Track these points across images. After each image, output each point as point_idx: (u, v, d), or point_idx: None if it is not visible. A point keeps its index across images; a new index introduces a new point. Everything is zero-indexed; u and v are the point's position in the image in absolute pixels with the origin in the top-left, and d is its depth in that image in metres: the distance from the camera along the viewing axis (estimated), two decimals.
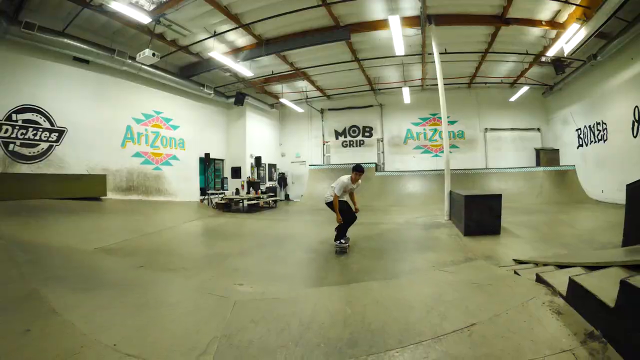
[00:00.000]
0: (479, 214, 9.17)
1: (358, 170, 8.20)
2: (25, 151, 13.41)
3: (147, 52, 13.36)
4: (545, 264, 5.09)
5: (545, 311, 3.34)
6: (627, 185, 5.44)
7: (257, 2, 12.86)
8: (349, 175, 8.23)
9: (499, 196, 9.32)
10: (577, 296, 3.31)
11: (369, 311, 4.05)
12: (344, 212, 8.29)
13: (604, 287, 3.00)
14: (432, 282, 5.29)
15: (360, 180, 8.45)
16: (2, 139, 12.76)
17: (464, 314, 3.56)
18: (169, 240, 10.66)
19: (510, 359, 2.64)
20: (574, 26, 12.12)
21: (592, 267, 3.92)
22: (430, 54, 14.43)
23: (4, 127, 12.84)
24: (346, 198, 8.61)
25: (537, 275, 4.36)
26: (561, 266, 4.60)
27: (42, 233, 9.49)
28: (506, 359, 2.64)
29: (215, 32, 14.67)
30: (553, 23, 13.40)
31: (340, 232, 8.37)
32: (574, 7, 12.23)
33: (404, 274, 6.35)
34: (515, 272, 4.96)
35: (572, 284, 3.42)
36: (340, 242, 8.28)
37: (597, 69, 15.38)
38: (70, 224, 11.07)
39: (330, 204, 8.40)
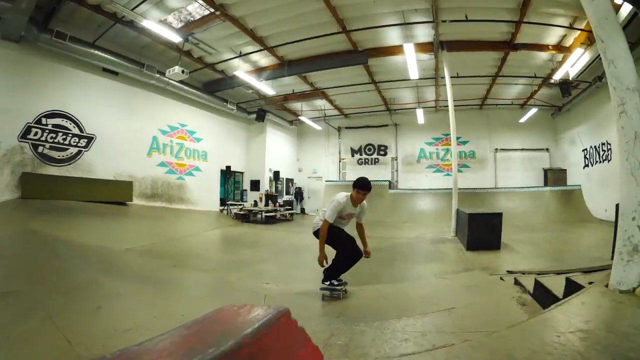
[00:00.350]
0: (481, 230, 9.77)
1: (361, 187, 5.75)
2: (55, 154, 13.91)
3: (177, 69, 14.10)
4: (530, 273, 5.98)
5: (513, 302, 4.30)
6: (617, 205, 5.84)
7: (282, 27, 13.63)
8: (348, 194, 5.87)
9: (500, 214, 9.96)
10: (539, 292, 4.25)
11: (376, 302, 5.09)
12: (340, 242, 5.83)
13: (558, 285, 3.92)
14: (430, 285, 6.24)
15: (365, 203, 6.16)
16: (32, 141, 13.25)
17: (449, 303, 4.52)
18: (194, 246, 11.50)
19: (476, 327, 3.56)
20: (578, 50, 12.77)
21: (560, 273, 4.79)
22: (443, 77, 15.08)
23: (34, 130, 13.35)
24: (344, 225, 6.10)
25: (515, 279, 5.30)
26: (540, 274, 5.46)
27: (74, 232, 10.24)
28: (474, 328, 3.56)
29: (240, 52, 15.48)
30: (559, 47, 13.97)
31: (333, 270, 5.83)
32: (579, 32, 12.78)
33: (408, 279, 7.19)
34: (501, 279, 5.86)
35: (536, 283, 4.38)
36: (331, 283, 5.76)
37: (602, 90, 15.56)
38: (100, 225, 11.91)
39: (318, 234, 5.86)
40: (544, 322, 2.58)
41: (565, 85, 16.22)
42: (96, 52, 14.28)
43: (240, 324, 1.20)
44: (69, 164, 14.30)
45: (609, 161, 15.77)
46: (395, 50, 14.82)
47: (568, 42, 13.61)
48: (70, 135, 14.35)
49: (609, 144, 15.70)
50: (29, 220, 10.49)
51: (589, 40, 12.51)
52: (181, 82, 16.87)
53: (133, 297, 5.14)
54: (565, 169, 20.50)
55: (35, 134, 13.36)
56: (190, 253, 10.37)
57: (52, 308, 4.12)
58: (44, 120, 13.56)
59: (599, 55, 10.45)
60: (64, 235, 9.49)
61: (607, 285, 2.53)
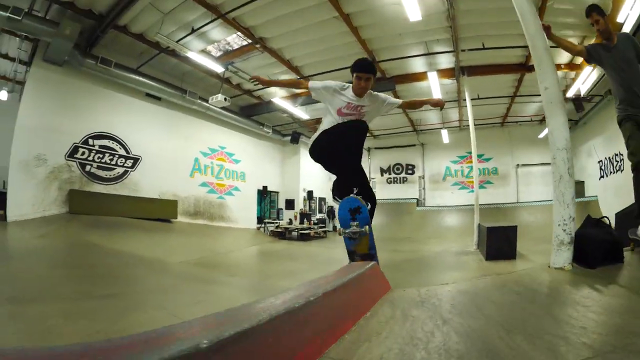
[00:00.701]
0: (498, 242, 10.73)
1: (359, 68, 4.56)
2: (102, 173, 14.94)
3: (220, 96, 15.45)
4: None
5: None
6: (616, 214, 6.49)
7: (316, 57, 15.04)
8: (349, 84, 4.74)
9: (515, 227, 10.85)
10: None
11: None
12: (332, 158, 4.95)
13: None
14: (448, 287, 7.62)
15: (373, 94, 4.86)
16: (79, 160, 14.25)
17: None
18: (240, 259, 12.57)
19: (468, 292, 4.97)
20: (587, 68, 13.70)
21: None
22: (465, 99, 15.96)
23: (81, 150, 14.32)
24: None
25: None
26: None
27: (128, 245, 11.15)
28: (465, 291, 4.96)
29: None
30: (571, 65, 14.85)
31: (338, 186, 5.00)
32: None
33: (433, 285, 8.52)
34: None
35: None
36: (335, 200, 5.03)
37: (613, 102, 15.87)
38: (149, 240, 12.82)
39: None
40: (497, 277, 4.49)
41: (578, 101, 16.91)
42: (140, 78, 15.49)
43: (361, 267, 2.91)
44: (117, 183, 15.39)
45: (621, 171, 16.12)
46: (420, 76, 16.03)
47: (579, 60, 14.37)
48: (116, 155, 15.48)
49: (622, 155, 15.92)
50: (84, 234, 11.51)
51: None
52: (221, 107, 18.13)
53: (221, 294, 6.10)
54: (583, 181, 20.78)
55: (82, 153, 14.41)
56: (240, 265, 11.43)
57: (158, 303, 4.73)
58: (90, 141, 14.65)
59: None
60: (120, 248, 10.45)
61: (549, 265, 4.11)
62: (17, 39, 13.29)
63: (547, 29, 4.76)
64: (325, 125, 4.86)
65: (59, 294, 4.69)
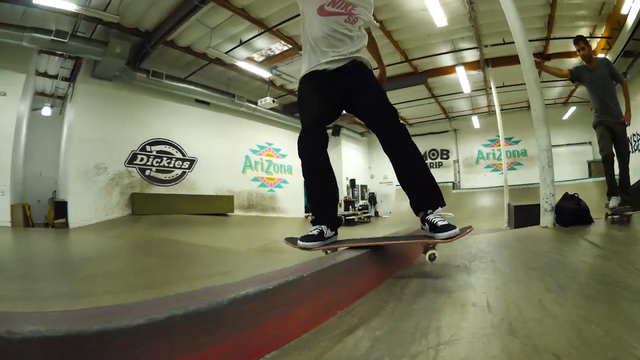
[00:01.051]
0: (524, 219, 11.62)
1: None
2: (161, 176, 16.35)
3: (268, 99, 17.47)
4: None
5: None
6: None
7: None
8: None
9: (538, 205, 12.90)
10: None
11: None
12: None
13: None
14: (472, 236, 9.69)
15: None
16: (139, 166, 15.52)
17: None
18: None
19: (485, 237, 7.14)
20: (600, 55, 14.32)
21: None
22: (491, 87, 17.84)
23: (139, 156, 15.58)
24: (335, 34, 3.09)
25: None
26: None
27: (194, 238, 11.91)
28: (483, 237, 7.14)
29: None
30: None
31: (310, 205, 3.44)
32: (599, 38, 15.21)
33: None
34: None
35: None
36: (309, 237, 3.14)
37: (629, 84, 16.40)
38: (213, 233, 13.86)
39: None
40: (505, 232, 7.45)
41: None
42: (189, 86, 16.97)
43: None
44: (176, 184, 17.07)
45: (639, 151, 17.07)
46: (449, 70, 18.03)
47: (592, 47, 14.77)
48: (174, 159, 17.14)
49: (638, 135, 17.40)
50: (154, 232, 12.54)
51: (609, 45, 14.83)
52: (268, 108, 19.85)
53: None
54: None
55: (141, 159, 15.79)
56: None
57: None
58: (148, 148, 16.07)
59: (618, 56, 14.52)
60: (191, 240, 11.30)
61: (540, 225, 6.26)
62: (57, 58, 14.77)
63: (538, 64, 6.79)
64: (306, 56, 3.29)
65: (181, 277, 5.50)
